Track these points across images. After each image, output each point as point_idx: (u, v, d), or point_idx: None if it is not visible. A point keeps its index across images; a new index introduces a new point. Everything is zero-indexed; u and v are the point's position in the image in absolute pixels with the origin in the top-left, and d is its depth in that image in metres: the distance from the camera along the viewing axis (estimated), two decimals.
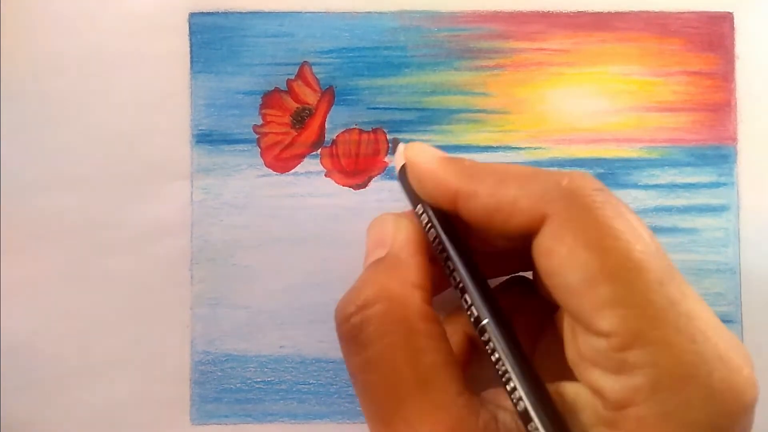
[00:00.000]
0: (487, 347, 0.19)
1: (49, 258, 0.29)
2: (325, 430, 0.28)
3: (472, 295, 0.20)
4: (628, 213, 0.19)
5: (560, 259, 0.18)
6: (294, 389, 0.28)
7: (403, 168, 0.23)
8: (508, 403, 0.19)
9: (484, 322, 0.19)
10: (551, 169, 0.20)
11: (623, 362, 0.17)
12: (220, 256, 0.29)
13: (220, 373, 0.28)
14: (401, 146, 0.23)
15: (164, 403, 0.28)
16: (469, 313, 0.20)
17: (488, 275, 0.21)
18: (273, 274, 0.29)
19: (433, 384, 0.18)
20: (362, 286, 0.20)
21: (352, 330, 0.19)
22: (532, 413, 0.18)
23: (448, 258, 0.21)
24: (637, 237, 0.18)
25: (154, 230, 0.29)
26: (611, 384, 0.17)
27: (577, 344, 0.18)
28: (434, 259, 0.21)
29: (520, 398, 0.18)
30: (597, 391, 0.17)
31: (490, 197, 0.19)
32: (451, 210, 0.21)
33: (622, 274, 0.17)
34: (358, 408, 0.28)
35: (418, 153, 0.22)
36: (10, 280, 0.29)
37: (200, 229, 0.29)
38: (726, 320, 0.28)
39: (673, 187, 0.29)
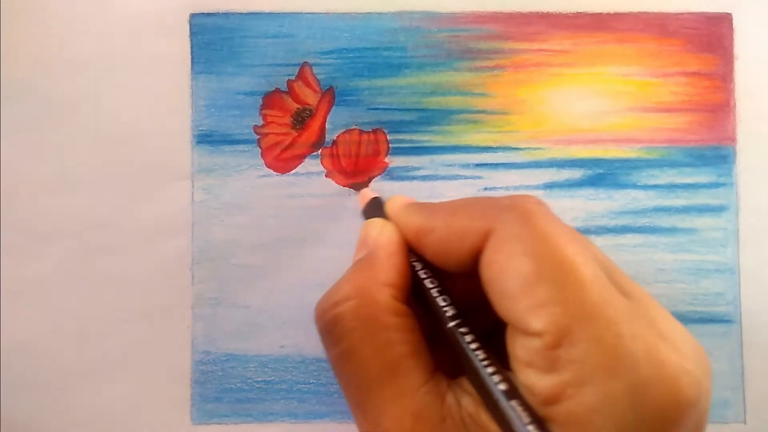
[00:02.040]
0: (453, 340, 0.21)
1: (49, 258, 0.29)
2: (325, 429, 0.28)
3: (434, 302, 0.21)
4: (562, 222, 0.20)
5: (499, 267, 0.19)
6: (294, 389, 0.29)
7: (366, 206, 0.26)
8: (471, 389, 0.20)
9: (449, 323, 0.21)
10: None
11: (554, 359, 0.17)
12: (221, 256, 0.29)
13: (220, 373, 0.29)
14: (364, 191, 0.27)
15: (165, 402, 0.28)
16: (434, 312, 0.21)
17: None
18: (274, 274, 0.29)
19: (399, 373, 0.20)
20: (339, 284, 0.21)
21: (328, 325, 0.21)
22: (486, 382, 0.19)
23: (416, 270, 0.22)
24: (570, 240, 0.19)
25: (155, 230, 0.29)
26: (543, 382, 0.18)
27: (515, 349, 0.19)
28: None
29: (475, 374, 0.19)
30: (531, 390, 0.18)
31: (444, 228, 0.21)
32: (419, 250, 0.22)
33: (555, 275, 0.18)
34: None
35: (391, 204, 0.24)
36: (11, 280, 0.29)
37: (201, 230, 0.29)
38: (725, 320, 0.28)
39: (672, 187, 0.29)
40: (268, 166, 0.29)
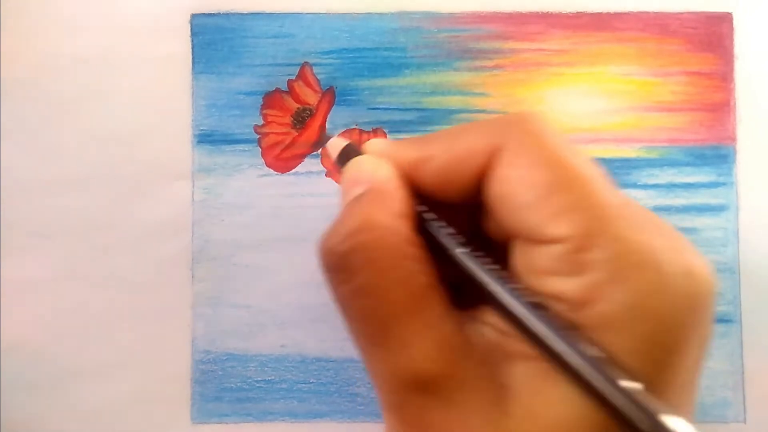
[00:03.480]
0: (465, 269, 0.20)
1: (49, 258, 0.29)
2: (325, 429, 0.28)
3: (440, 232, 0.20)
4: (568, 138, 0.20)
5: (515, 181, 0.19)
6: (294, 388, 0.29)
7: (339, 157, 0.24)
8: (491, 319, 0.19)
9: (460, 248, 0.20)
10: None
11: (580, 263, 0.17)
12: (221, 256, 0.29)
13: (220, 372, 0.29)
14: (333, 140, 0.24)
15: (165, 401, 0.29)
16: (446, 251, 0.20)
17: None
18: (274, 273, 0.29)
19: (423, 304, 0.19)
20: (345, 219, 0.20)
21: (340, 260, 0.20)
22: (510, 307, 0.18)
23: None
24: (581, 153, 0.19)
25: (156, 230, 0.29)
26: (571, 286, 0.17)
27: (531, 263, 0.19)
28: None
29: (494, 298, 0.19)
30: (557, 297, 0.18)
31: (445, 153, 0.20)
32: (414, 184, 0.21)
33: (573, 183, 0.18)
34: (358, 407, 0.29)
35: (373, 145, 0.23)
36: (11, 280, 0.29)
37: (201, 229, 0.29)
38: (725, 320, 0.28)
39: (672, 186, 0.29)
40: (269, 166, 0.29)
